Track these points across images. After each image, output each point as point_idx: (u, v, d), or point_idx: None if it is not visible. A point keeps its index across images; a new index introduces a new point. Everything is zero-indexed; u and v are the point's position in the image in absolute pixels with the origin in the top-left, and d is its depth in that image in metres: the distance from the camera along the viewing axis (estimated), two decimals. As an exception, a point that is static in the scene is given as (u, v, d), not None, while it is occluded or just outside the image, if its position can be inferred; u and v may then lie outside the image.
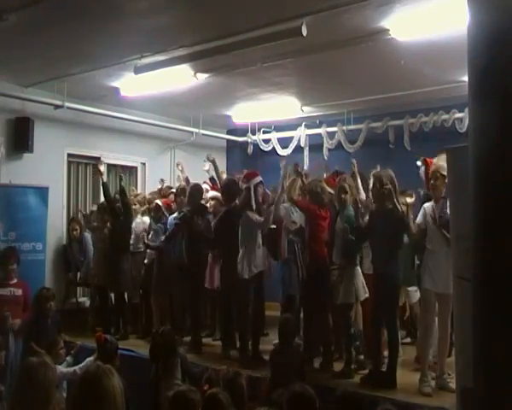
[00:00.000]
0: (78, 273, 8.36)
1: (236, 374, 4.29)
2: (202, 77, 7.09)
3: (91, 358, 4.94)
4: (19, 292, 6.31)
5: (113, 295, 7.68)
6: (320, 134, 9.53)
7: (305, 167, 9.33)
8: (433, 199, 5.22)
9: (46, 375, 2.77)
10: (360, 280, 5.62)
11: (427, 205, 5.27)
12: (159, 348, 5.01)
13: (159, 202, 7.55)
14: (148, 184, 9.46)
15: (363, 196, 5.83)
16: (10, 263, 6.42)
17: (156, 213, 7.55)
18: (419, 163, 5.95)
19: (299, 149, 9.66)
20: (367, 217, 5.57)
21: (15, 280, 6.37)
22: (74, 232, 8.25)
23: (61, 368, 4.96)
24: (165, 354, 4.95)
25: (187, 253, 6.77)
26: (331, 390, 4.26)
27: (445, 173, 4.75)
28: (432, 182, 5.20)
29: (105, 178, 9.10)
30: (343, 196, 5.72)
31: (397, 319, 5.36)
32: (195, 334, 6.75)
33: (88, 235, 8.28)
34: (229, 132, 10.93)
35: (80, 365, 4.96)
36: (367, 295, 5.61)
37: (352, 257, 5.64)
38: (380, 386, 5.01)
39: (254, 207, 6.10)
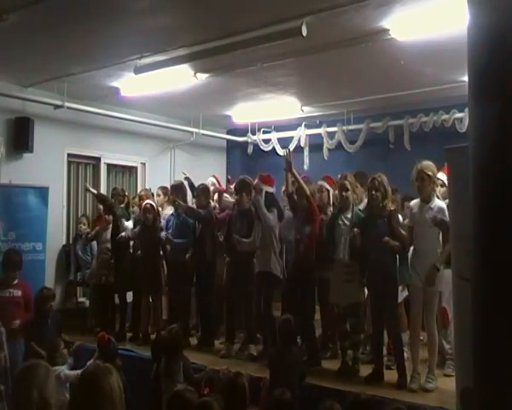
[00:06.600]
0: (79, 273, 8.30)
1: (238, 374, 4.27)
2: (202, 77, 7.09)
3: (92, 360, 4.91)
4: (18, 293, 6.33)
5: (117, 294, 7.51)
6: (320, 134, 9.55)
7: (305, 167, 9.34)
8: (420, 199, 5.20)
9: (45, 376, 2.77)
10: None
11: (414, 203, 5.29)
12: (161, 348, 4.99)
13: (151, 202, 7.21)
14: (148, 185, 9.44)
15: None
16: (12, 266, 6.43)
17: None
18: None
19: (299, 149, 9.66)
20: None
21: (15, 281, 6.39)
22: (82, 226, 8.14)
23: (66, 370, 4.96)
24: (168, 354, 4.91)
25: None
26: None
27: (430, 174, 5.07)
28: (418, 183, 5.17)
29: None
30: (344, 193, 5.69)
31: (397, 319, 5.37)
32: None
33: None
34: (229, 132, 10.93)
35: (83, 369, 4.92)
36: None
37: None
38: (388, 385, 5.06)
39: None
